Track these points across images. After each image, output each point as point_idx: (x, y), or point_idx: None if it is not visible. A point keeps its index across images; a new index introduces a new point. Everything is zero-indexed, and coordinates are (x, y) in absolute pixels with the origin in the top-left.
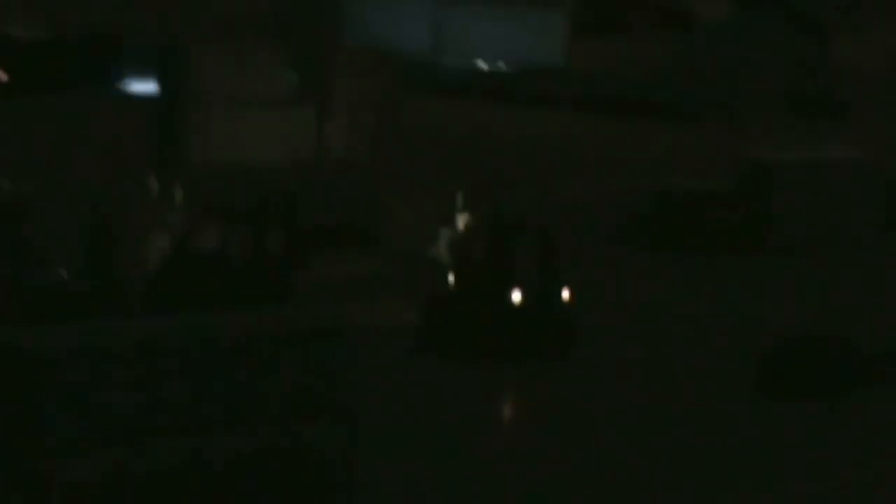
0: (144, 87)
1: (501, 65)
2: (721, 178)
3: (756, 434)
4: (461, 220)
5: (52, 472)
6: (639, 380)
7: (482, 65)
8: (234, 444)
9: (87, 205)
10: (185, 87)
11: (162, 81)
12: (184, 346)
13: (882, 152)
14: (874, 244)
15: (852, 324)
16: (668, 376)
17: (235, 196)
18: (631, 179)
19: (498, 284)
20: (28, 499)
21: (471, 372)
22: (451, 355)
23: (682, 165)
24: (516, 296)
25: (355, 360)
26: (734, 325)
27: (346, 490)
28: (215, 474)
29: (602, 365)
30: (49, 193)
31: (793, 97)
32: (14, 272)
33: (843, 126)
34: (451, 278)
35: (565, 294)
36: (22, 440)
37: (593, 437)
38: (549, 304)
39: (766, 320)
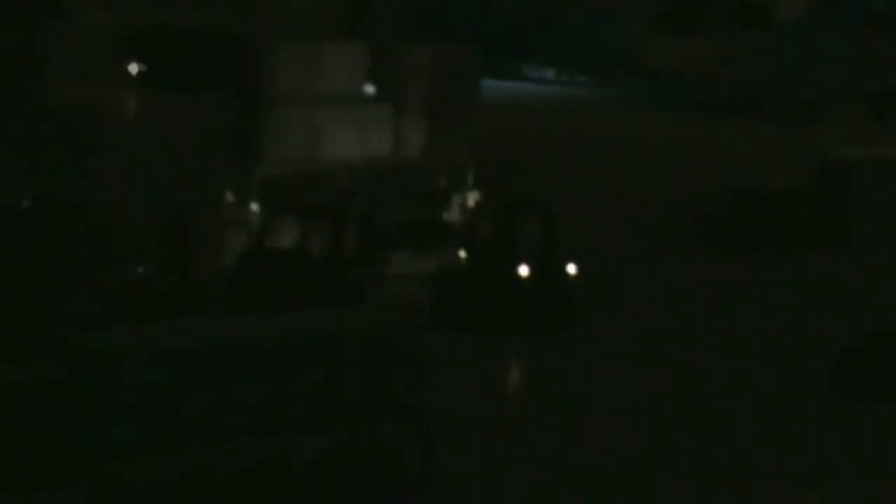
0: (222, 84)
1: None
2: (799, 176)
3: (833, 432)
4: (471, 198)
5: (130, 473)
6: (713, 377)
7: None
8: (311, 443)
9: (165, 203)
10: (262, 84)
11: (240, 79)
12: (261, 346)
13: None
14: None
15: None
16: (744, 374)
17: (312, 194)
18: (709, 177)
19: (506, 260)
20: (106, 499)
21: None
22: (462, 328)
23: (761, 163)
24: (523, 270)
25: (431, 359)
26: (813, 323)
27: (420, 490)
28: (293, 474)
29: (678, 361)
30: (127, 191)
31: (870, 94)
32: (92, 271)
33: None
34: (461, 254)
35: (571, 269)
36: (101, 441)
37: (669, 431)
38: (554, 279)
39: (845, 317)
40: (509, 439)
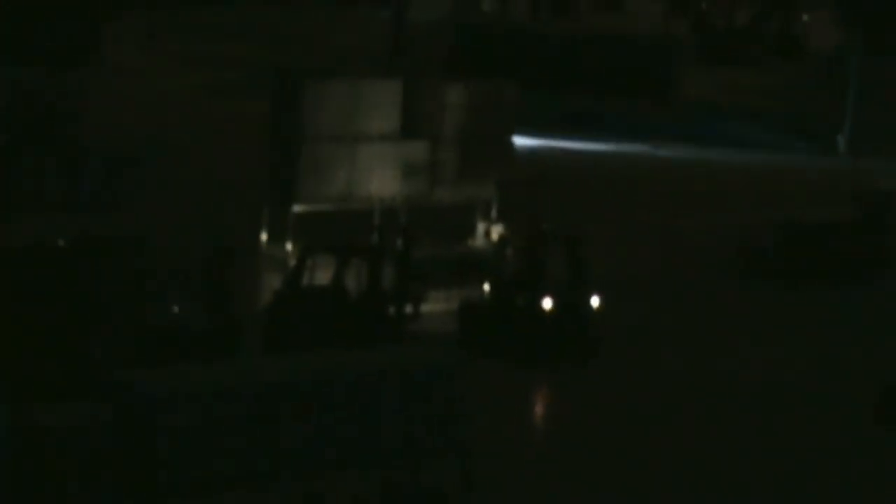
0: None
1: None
2: (843, 209)
3: (877, 466)
4: (495, 231)
5: None
6: (754, 409)
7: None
8: (354, 482)
9: (204, 240)
10: (299, 121)
11: (277, 116)
12: (300, 385)
13: None
14: None
15: None
16: (787, 407)
17: (349, 231)
18: (753, 210)
19: (530, 292)
20: None
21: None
22: (486, 359)
23: (805, 196)
24: (546, 303)
25: (470, 397)
26: (857, 354)
27: None
28: None
29: (717, 392)
30: (166, 228)
31: None
32: (132, 310)
33: None
34: (485, 286)
35: (595, 301)
36: (140, 481)
37: (717, 465)
38: (578, 311)
39: (889, 349)
40: (541, 471)
